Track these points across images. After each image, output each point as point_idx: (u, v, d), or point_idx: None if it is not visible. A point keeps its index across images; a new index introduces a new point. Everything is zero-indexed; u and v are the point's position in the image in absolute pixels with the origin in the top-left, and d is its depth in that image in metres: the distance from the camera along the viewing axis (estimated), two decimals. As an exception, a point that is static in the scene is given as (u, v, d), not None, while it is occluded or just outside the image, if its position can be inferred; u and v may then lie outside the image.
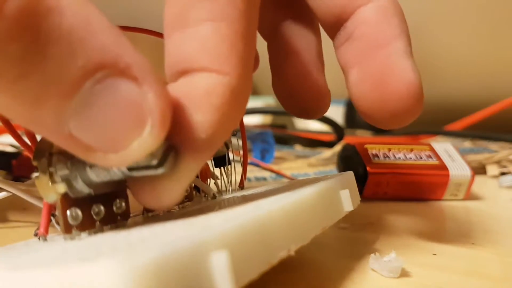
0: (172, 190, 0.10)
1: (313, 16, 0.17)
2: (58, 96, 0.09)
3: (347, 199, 0.14)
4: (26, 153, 0.13)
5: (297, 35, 0.17)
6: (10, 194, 0.15)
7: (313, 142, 0.46)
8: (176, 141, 0.10)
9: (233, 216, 0.10)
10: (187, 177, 0.10)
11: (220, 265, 0.08)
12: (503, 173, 0.34)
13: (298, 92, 0.17)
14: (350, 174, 0.16)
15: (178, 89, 0.10)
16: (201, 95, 0.10)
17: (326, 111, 0.17)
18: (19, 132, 0.13)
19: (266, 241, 0.10)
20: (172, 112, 0.10)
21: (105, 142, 0.09)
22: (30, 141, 0.12)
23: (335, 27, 0.15)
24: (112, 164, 0.10)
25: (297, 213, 0.12)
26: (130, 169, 0.10)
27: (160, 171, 0.10)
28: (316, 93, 0.17)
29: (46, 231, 0.12)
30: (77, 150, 0.09)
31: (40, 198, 0.14)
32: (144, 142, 0.09)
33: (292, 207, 0.11)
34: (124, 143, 0.09)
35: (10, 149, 0.24)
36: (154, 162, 0.10)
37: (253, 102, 0.61)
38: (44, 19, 0.08)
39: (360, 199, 0.16)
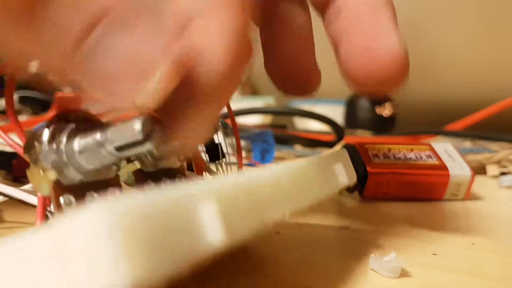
0: (199, 130, 0.11)
1: None
2: (68, 44, 0.09)
3: (342, 172, 0.15)
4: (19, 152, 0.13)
5: (289, 15, 0.17)
6: (6, 198, 0.15)
7: (313, 142, 0.46)
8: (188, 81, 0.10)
9: (224, 178, 0.10)
10: (204, 120, 0.11)
11: (210, 215, 0.08)
12: (503, 173, 0.34)
13: (291, 71, 0.17)
14: (343, 151, 0.16)
15: (187, 38, 0.10)
16: (212, 38, 0.10)
17: (316, 89, 0.18)
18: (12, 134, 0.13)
19: (256, 200, 0.10)
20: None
21: (111, 90, 0.09)
22: (22, 141, 0.12)
23: (323, 3, 0.15)
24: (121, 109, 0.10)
25: (289, 177, 0.12)
26: (119, 149, 0.10)
27: (148, 146, 0.10)
28: (308, 72, 0.17)
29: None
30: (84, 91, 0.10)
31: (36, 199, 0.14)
32: (151, 88, 0.09)
33: (284, 171, 0.12)
34: (130, 92, 0.09)
35: (10, 149, 0.24)
36: (139, 137, 0.10)
37: (253, 102, 0.61)
38: None
39: (356, 176, 0.16)
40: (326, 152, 0.16)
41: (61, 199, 0.11)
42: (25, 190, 0.15)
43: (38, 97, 0.51)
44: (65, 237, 0.07)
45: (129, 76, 0.09)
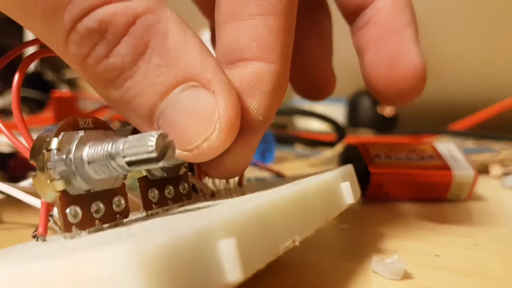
0: (241, 164, 0.13)
1: (327, 6, 0.19)
2: (153, 97, 0.11)
3: (348, 191, 0.15)
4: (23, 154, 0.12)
5: (313, 23, 0.19)
6: (4, 196, 0.15)
7: (313, 142, 0.46)
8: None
9: (237, 205, 0.10)
10: (250, 152, 0.13)
11: (228, 252, 0.08)
12: (506, 173, 0.33)
13: (311, 77, 0.19)
14: (349, 167, 0.16)
15: (232, 77, 0.12)
16: (254, 83, 0.12)
17: (331, 93, 0.19)
18: (15, 132, 0.13)
19: (270, 230, 0.10)
20: (240, 120, 0.12)
21: (182, 139, 0.11)
22: (27, 142, 0.12)
23: (354, 13, 0.17)
24: (185, 158, 0.12)
25: (299, 203, 0.12)
26: (130, 163, 0.10)
27: (160, 164, 0.10)
28: (327, 77, 0.19)
29: (45, 231, 0.12)
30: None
31: (36, 199, 0.14)
32: (212, 143, 0.11)
33: (294, 196, 0.12)
34: (195, 142, 0.11)
35: (7, 149, 0.24)
36: (154, 155, 0.10)
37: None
38: (154, 38, 0.11)
39: (360, 192, 0.16)
40: (333, 169, 0.16)
41: (67, 210, 0.11)
42: (22, 188, 0.15)
43: (34, 97, 0.51)
44: (87, 270, 0.07)
45: (197, 127, 0.11)
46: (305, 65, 0.19)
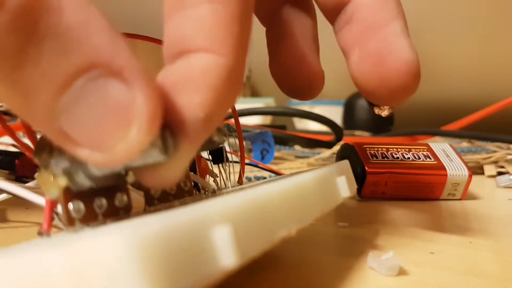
0: (173, 172, 0.11)
1: (310, 1, 0.17)
2: (50, 90, 0.09)
3: (344, 184, 0.15)
4: (28, 153, 0.13)
5: (294, 18, 0.17)
6: (10, 196, 0.15)
7: (312, 143, 0.46)
8: (172, 123, 0.10)
9: (234, 196, 0.11)
10: (186, 158, 0.11)
11: (222, 239, 0.08)
12: (500, 173, 0.34)
13: (295, 74, 0.17)
14: (345, 162, 0.16)
15: (175, 70, 0.11)
16: (197, 75, 0.10)
17: (319, 92, 0.18)
18: (20, 133, 0.13)
19: (266, 219, 0.10)
20: (162, 114, 0.10)
21: (92, 139, 0.09)
22: (31, 142, 0.12)
23: (334, 11, 0.16)
24: (98, 162, 0.10)
25: (295, 194, 0.12)
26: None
27: (161, 158, 0.10)
28: (312, 75, 0.17)
29: (50, 227, 0.12)
30: (66, 145, 0.10)
31: (41, 198, 0.14)
32: (129, 143, 0.09)
33: (290, 188, 0.12)
34: (109, 143, 0.09)
35: (13, 149, 0.24)
36: (156, 151, 0.10)
37: (253, 103, 0.61)
38: (43, 16, 0.09)
39: (357, 187, 0.16)
40: (329, 165, 0.16)
41: (70, 205, 0.11)
42: (29, 188, 0.15)
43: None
44: (85, 258, 0.07)
45: (110, 125, 0.09)
46: (288, 58, 0.17)
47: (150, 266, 0.07)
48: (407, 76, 0.14)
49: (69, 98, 0.09)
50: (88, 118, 0.09)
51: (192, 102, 0.10)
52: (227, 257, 0.08)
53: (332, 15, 0.16)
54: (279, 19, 0.17)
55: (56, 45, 0.09)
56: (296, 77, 0.17)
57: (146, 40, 0.16)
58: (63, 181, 0.11)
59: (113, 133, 0.09)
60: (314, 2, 0.17)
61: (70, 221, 0.11)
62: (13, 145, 0.23)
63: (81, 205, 0.11)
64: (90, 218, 0.11)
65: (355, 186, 0.16)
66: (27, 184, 0.16)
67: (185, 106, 0.10)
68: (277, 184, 0.12)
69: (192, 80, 0.10)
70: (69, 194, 0.11)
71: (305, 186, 0.13)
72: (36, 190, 0.15)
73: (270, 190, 0.11)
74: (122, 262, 0.07)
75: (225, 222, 0.08)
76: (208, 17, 0.10)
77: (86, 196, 0.11)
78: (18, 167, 0.21)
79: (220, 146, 0.17)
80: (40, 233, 0.12)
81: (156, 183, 0.11)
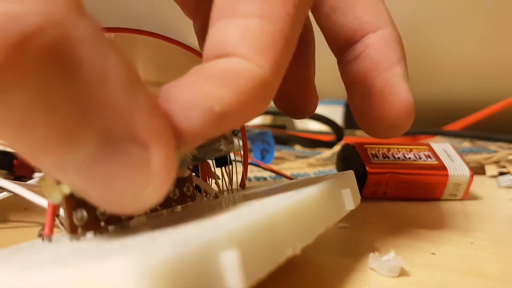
0: (159, 185, 0.09)
1: (310, 24, 0.18)
2: (59, 150, 0.08)
3: (349, 198, 0.15)
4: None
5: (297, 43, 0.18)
6: (11, 194, 0.15)
7: (312, 142, 0.46)
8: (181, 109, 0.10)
9: (240, 215, 0.11)
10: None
11: (230, 264, 0.08)
12: (501, 173, 0.34)
13: (294, 95, 0.18)
14: (350, 173, 0.16)
15: (211, 66, 0.10)
16: (230, 74, 0.10)
17: (312, 113, 0.19)
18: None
19: (273, 240, 0.10)
20: (174, 176, 0.09)
21: (103, 196, 0.09)
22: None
23: (345, 46, 0.17)
24: (108, 209, 0.09)
25: (301, 212, 0.12)
26: None
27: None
28: (308, 99, 0.19)
29: (51, 232, 0.12)
30: (75, 190, 0.10)
31: (41, 198, 0.14)
32: (142, 202, 0.09)
33: (297, 206, 0.12)
34: (121, 200, 0.09)
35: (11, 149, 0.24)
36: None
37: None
38: (63, 76, 0.08)
39: (360, 197, 0.16)
40: (334, 176, 0.16)
41: (74, 213, 0.11)
42: (29, 187, 0.15)
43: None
44: (91, 282, 0.07)
45: (123, 186, 0.09)
46: (286, 86, 0.17)
47: None
48: (404, 114, 0.16)
49: (81, 158, 0.09)
50: (100, 179, 0.09)
51: (213, 94, 0.10)
52: (235, 282, 0.08)
53: (341, 49, 0.17)
54: None
55: (71, 110, 0.08)
56: (296, 98, 0.18)
57: (148, 36, 0.16)
58: (67, 188, 0.11)
59: (126, 194, 0.09)
60: (321, 33, 0.17)
61: (73, 229, 0.11)
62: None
63: (84, 213, 0.11)
64: (92, 225, 0.11)
65: (359, 198, 0.16)
66: (26, 182, 0.15)
67: (205, 95, 0.10)
68: (283, 203, 0.11)
69: (223, 76, 0.10)
70: (72, 201, 0.11)
71: (311, 203, 0.13)
72: (35, 188, 0.15)
73: (277, 209, 0.11)
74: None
75: (232, 246, 0.08)
76: (256, 29, 0.11)
77: (89, 202, 0.11)
78: (17, 167, 0.21)
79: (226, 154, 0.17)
80: (40, 235, 0.12)
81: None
